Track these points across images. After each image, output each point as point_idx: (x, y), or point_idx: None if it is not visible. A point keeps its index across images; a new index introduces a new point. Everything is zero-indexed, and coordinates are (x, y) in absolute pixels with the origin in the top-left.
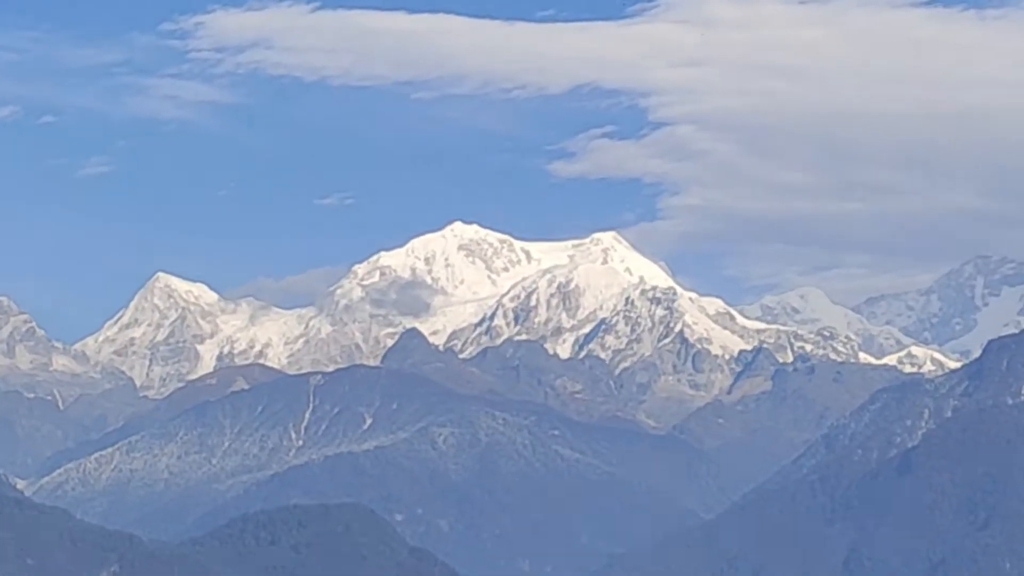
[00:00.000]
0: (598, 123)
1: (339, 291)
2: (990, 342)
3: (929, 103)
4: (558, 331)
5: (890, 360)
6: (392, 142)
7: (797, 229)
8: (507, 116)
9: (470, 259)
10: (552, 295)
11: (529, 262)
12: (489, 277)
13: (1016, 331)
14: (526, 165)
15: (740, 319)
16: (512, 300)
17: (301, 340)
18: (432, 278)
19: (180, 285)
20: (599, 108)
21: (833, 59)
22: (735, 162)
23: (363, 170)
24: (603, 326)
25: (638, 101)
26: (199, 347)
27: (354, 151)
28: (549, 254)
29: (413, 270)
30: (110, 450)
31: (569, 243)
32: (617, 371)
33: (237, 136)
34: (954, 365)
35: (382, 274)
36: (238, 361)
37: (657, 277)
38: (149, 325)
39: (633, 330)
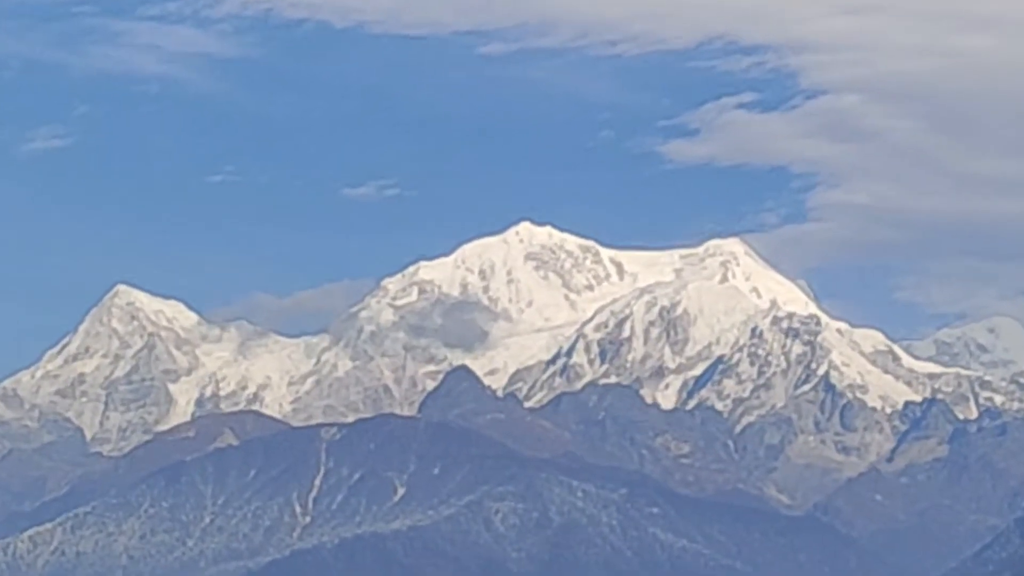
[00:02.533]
0: (732, 90)
1: (363, 313)
2: None
3: None
4: (660, 372)
5: None
6: (449, 113)
7: (999, 238)
8: (607, 79)
9: (541, 273)
10: (652, 323)
11: (622, 278)
12: (567, 297)
13: None
14: (630, 146)
15: (907, 360)
16: (597, 330)
17: (311, 379)
18: (490, 298)
19: (148, 303)
20: (735, 70)
21: None
22: (917, 146)
23: (410, 150)
24: (720, 366)
25: (787, 61)
26: (172, 387)
27: (398, 124)
28: (649, 268)
29: (464, 286)
30: (50, 526)
31: (676, 253)
32: (739, 428)
33: (239, 102)
34: None
35: (422, 291)
36: (224, 407)
37: (796, 301)
38: (105, 356)
39: (761, 372)
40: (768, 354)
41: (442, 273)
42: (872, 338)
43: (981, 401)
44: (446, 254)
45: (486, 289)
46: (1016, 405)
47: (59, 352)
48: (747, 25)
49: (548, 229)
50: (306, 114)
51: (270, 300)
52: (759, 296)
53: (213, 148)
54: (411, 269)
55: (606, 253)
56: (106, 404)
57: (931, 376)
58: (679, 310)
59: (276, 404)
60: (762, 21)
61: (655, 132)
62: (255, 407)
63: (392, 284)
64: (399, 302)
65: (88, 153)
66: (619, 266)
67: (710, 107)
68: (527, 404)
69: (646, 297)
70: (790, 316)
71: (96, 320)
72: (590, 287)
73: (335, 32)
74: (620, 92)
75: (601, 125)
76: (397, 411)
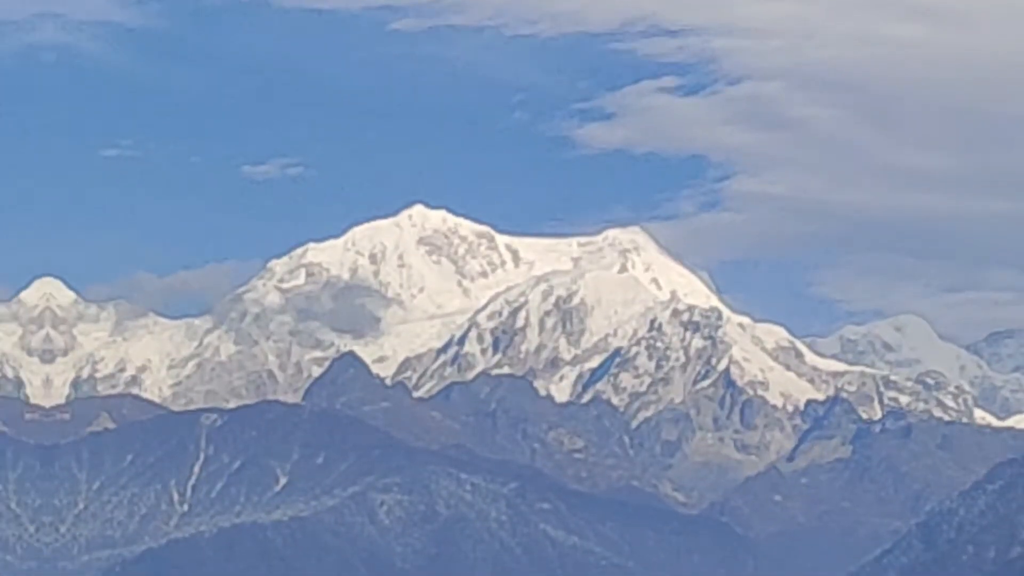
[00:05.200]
0: (653, 73)
1: (248, 295)
2: None
3: None
4: (554, 364)
5: (1018, 422)
6: (357, 90)
7: (922, 234)
8: (524, 60)
9: (434, 258)
10: (547, 313)
11: (517, 266)
12: (460, 284)
13: None
14: (543, 129)
15: (811, 357)
16: (491, 318)
17: (192, 363)
18: (380, 283)
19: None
20: (656, 53)
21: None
22: (841, 137)
23: (316, 127)
24: (617, 359)
25: (711, 45)
26: (47, 368)
27: (305, 100)
28: (546, 256)
29: (354, 270)
30: None
31: (575, 241)
32: (635, 423)
33: (140, 73)
34: None
35: (309, 274)
36: (101, 389)
37: (697, 293)
38: None
39: (659, 366)
40: (667, 348)
41: (331, 256)
42: (775, 334)
43: (886, 401)
44: (336, 236)
45: (376, 273)
46: (921, 406)
47: None
48: (671, 7)
49: (442, 213)
50: (210, 88)
51: (151, 279)
52: (659, 287)
53: (111, 121)
54: (299, 251)
55: (502, 239)
56: None
57: (835, 374)
58: (576, 300)
59: (155, 387)
60: (687, 4)
61: (570, 115)
62: (133, 390)
63: (279, 266)
64: (286, 285)
65: None
66: (515, 253)
67: (629, 91)
68: (416, 394)
69: (542, 286)
70: (691, 309)
71: None
72: (484, 274)
73: (242, 4)
74: (536, 73)
75: (515, 107)
76: (281, 398)
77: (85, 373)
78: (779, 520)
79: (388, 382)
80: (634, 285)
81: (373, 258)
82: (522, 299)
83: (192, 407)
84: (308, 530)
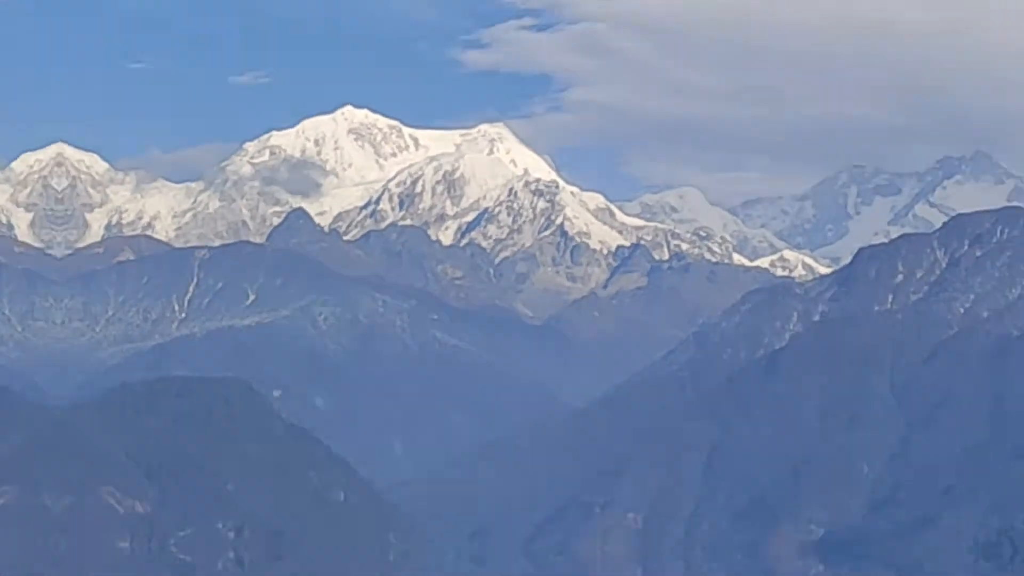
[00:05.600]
0: (515, 15)
1: (229, 167)
2: (860, 250)
3: (838, 15)
4: (441, 218)
5: (763, 263)
6: (306, 18)
7: (702, 131)
8: (425, 4)
9: (359, 143)
10: (437, 183)
11: (417, 149)
12: (377, 162)
13: (886, 240)
14: (439, 53)
15: (620, 215)
16: (398, 185)
17: (189, 214)
18: (322, 160)
19: (72, 153)
20: (517, 1)
21: None
22: (647, 61)
23: (276, 46)
24: (486, 215)
25: None
26: (88, 216)
27: (273, 28)
28: (437, 142)
29: (304, 151)
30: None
31: (456, 132)
32: (497, 260)
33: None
34: (824, 271)
35: (272, 153)
36: (126, 232)
37: (541, 170)
38: (40, 194)
39: (515, 221)
40: (520, 208)
41: (288, 140)
42: (596, 199)
43: (672, 247)
44: (291, 126)
45: (319, 153)
46: (696, 251)
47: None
48: None
49: (366, 111)
50: (207, 20)
51: (160, 155)
52: (516, 166)
53: (135, 40)
54: (265, 136)
55: (407, 130)
56: (36, 226)
57: (637, 228)
58: (457, 174)
59: (164, 231)
60: None
61: (457, 44)
62: (148, 233)
63: (251, 147)
64: (256, 160)
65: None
66: (416, 140)
67: (498, 27)
68: (346, 238)
69: (434, 164)
70: (537, 181)
71: (35, 163)
72: (395, 155)
73: None
74: (434, 14)
75: (417, 38)
76: (251, 240)
77: (114, 220)
78: (596, 330)
79: (326, 229)
80: (498, 164)
81: (317, 142)
82: (420, 172)
83: (189, 245)
84: (269, 332)
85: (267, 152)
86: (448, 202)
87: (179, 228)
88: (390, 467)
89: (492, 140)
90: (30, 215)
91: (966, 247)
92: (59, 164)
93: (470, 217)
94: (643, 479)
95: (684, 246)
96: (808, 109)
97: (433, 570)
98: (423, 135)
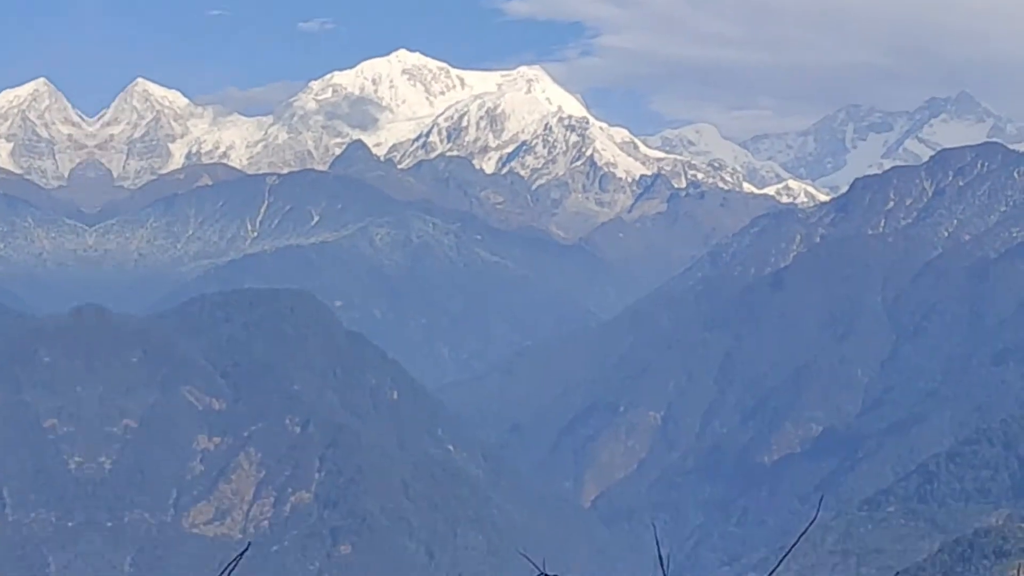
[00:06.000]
0: None
1: (296, 103)
2: (856, 180)
3: None
4: (484, 150)
5: (769, 191)
6: None
7: (718, 72)
8: None
9: (412, 82)
10: (481, 118)
11: (463, 88)
12: (427, 99)
13: (879, 172)
14: (483, 4)
15: (643, 148)
16: (446, 120)
17: (260, 144)
18: (378, 97)
19: (156, 90)
20: None
21: None
22: (670, 12)
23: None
24: (524, 147)
25: None
26: (171, 146)
27: None
28: (480, 82)
29: (362, 89)
30: (89, 229)
31: (498, 74)
32: (534, 187)
33: None
34: (824, 198)
35: (334, 91)
36: (204, 160)
37: (573, 108)
38: (127, 124)
39: (550, 152)
40: (555, 141)
41: (348, 79)
42: (622, 134)
43: (689, 177)
44: (352, 67)
45: (376, 91)
46: (711, 180)
47: (97, 120)
48: None
49: (418, 54)
50: None
51: (237, 91)
52: (551, 104)
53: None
54: (328, 76)
55: (454, 72)
56: (127, 155)
57: (658, 159)
58: (499, 111)
59: (238, 160)
60: None
61: None
62: (224, 161)
63: (316, 85)
64: (320, 97)
65: None
66: (462, 80)
67: None
68: (399, 167)
69: (478, 101)
70: (570, 117)
71: (123, 101)
72: (443, 93)
73: None
74: None
75: None
76: (315, 168)
77: (194, 150)
78: (621, 249)
79: (382, 159)
80: (535, 102)
81: (374, 81)
82: (465, 109)
83: (260, 172)
84: (331, 250)
85: (330, 90)
86: (490, 135)
87: (251, 157)
88: (438, 370)
89: (530, 80)
90: (126, 148)
91: (950, 178)
92: (146, 99)
93: (510, 149)
94: (662, 382)
95: (700, 176)
96: (811, 55)
97: (477, 461)
98: (468, 76)
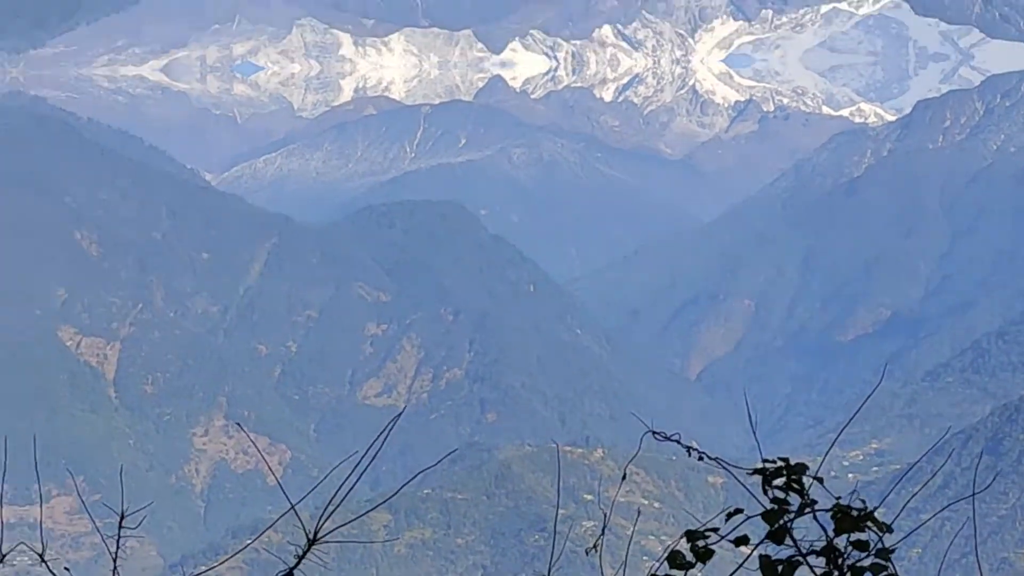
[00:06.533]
0: None
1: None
2: (918, 102)
3: None
4: (604, 81)
5: (844, 112)
6: None
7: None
8: None
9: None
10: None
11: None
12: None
13: (938, 95)
14: None
15: (737, 78)
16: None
17: (416, 80)
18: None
19: (323, 27)
20: None
21: None
22: None
23: None
24: (636, 79)
25: None
26: (341, 81)
27: None
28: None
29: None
30: (274, 154)
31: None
32: (645, 112)
33: None
34: (891, 119)
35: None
36: (370, 93)
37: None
38: (303, 64)
39: (659, 83)
40: (662, 73)
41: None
42: (720, 67)
43: (776, 101)
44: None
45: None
46: (794, 104)
47: (275, 71)
48: None
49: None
50: None
51: (410, 29)
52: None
53: None
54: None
55: None
56: (304, 90)
57: (750, 87)
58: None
59: (398, 92)
60: None
61: None
62: (386, 94)
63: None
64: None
65: None
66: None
67: None
68: (532, 96)
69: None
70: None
71: (297, 39)
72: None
73: None
74: None
75: None
76: (463, 99)
77: (360, 84)
78: (720, 164)
79: (518, 90)
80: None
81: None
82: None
83: (417, 103)
84: (476, 167)
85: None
86: (608, 69)
87: (408, 91)
88: (566, 266)
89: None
90: (304, 84)
91: (999, 99)
92: (315, 31)
93: (625, 80)
94: (755, 275)
95: (785, 100)
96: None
97: (600, 342)
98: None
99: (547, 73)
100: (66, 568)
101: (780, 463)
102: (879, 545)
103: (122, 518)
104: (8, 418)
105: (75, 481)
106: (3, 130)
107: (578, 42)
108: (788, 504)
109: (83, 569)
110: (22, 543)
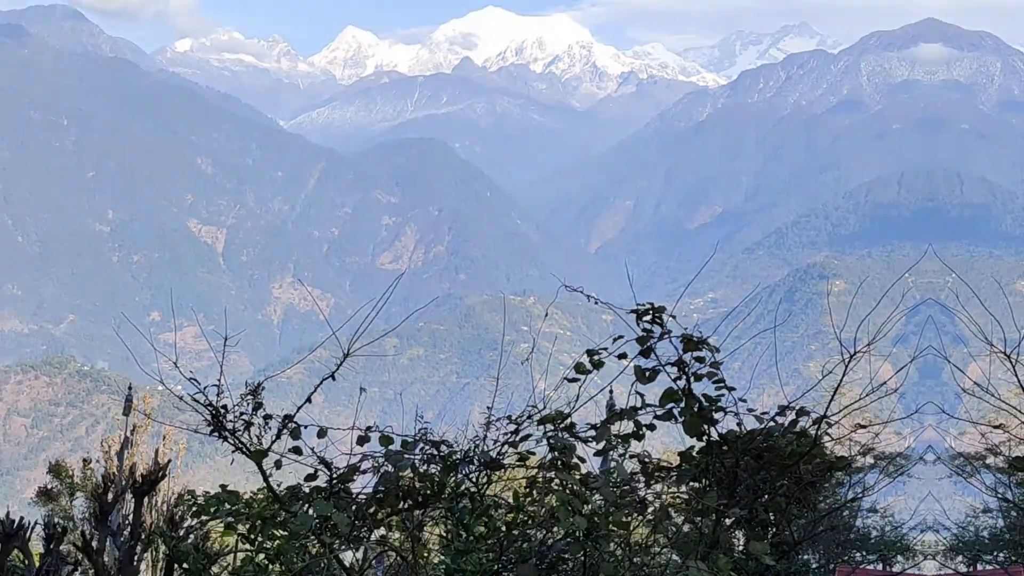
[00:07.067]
0: None
1: (436, 35)
2: (742, 72)
3: None
4: (536, 59)
5: (693, 79)
6: None
7: (665, 16)
8: None
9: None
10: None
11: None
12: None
13: (755, 67)
14: None
15: (622, 56)
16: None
17: (414, 60)
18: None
19: (368, 38)
20: None
21: None
22: None
23: None
24: (557, 58)
25: None
26: (367, 61)
27: None
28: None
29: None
30: (323, 108)
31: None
32: (563, 80)
33: None
34: (724, 83)
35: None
36: (385, 68)
37: (583, 37)
38: (342, 52)
39: (571, 61)
40: (575, 54)
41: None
42: (610, 50)
43: (648, 72)
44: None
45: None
46: (660, 74)
47: (325, 55)
48: None
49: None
50: None
51: (401, 29)
52: (573, 37)
53: None
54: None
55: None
56: (343, 67)
57: (631, 63)
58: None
59: (406, 68)
60: None
61: None
62: (395, 69)
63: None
64: (449, 33)
65: None
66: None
67: None
68: (491, 71)
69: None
70: (578, 43)
71: (339, 40)
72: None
73: None
74: None
75: None
76: (444, 72)
77: (378, 63)
78: (611, 113)
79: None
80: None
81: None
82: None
83: (414, 75)
84: (454, 118)
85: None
86: (538, 51)
87: (409, 67)
88: (512, 180)
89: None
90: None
91: (795, 70)
92: (354, 36)
93: (549, 59)
94: (633, 185)
95: (655, 71)
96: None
97: (533, 228)
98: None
99: (499, 55)
100: (190, 372)
101: (648, 306)
102: (712, 359)
103: (226, 340)
104: (157, 278)
105: (197, 317)
106: (154, 95)
107: (521, 35)
108: (652, 333)
109: (202, 373)
110: (165, 357)
